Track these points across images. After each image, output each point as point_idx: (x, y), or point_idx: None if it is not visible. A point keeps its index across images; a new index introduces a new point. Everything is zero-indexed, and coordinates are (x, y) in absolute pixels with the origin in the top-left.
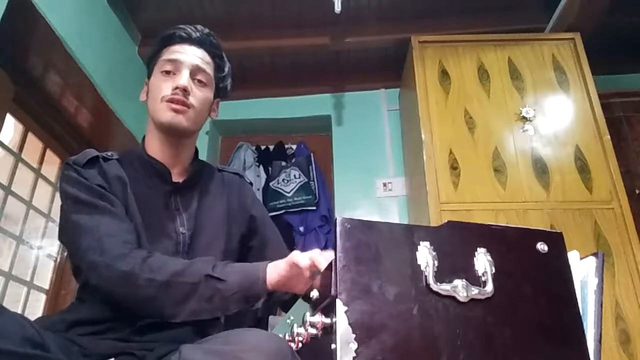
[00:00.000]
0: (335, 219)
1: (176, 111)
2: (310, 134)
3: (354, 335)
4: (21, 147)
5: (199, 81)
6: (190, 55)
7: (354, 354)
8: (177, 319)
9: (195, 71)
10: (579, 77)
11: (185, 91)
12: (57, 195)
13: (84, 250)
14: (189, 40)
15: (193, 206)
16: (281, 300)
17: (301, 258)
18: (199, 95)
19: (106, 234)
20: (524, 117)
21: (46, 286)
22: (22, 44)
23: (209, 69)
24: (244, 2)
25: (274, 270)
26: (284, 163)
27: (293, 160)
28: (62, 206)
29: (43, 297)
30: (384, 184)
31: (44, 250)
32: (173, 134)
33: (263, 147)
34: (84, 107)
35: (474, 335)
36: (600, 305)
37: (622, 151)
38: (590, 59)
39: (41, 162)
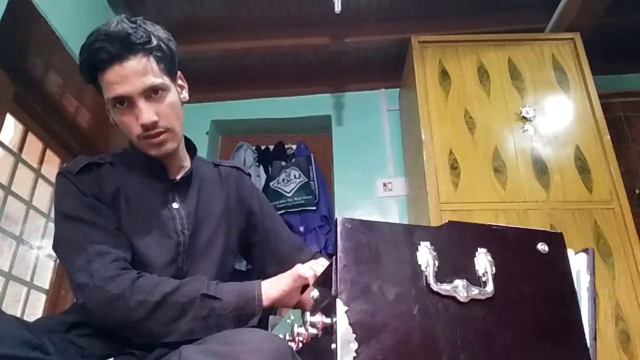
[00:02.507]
0: (336, 219)
1: (158, 144)
2: (310, 134)
3: (354, 335)
4: (21, 147)
5: (155, 92)
6: (133, 80)
7: (354, 354)
8: (169, 339)
9: (147, 91)
10: (579, 77)
11: (154, 123)
12: None
13: (74, 272)
14: (118, 58)
15: (192, 203)
16: None
17: (305, 270)
18: (165, 109)
19: (95, 252)
20: (524, 117)
21: (46, 286)
22: (22, 44)
23: (156, 73)
24: (244, 2)
25: (274, 287)
26: (284, 163)
27: (293, 160)
28: (54, 217)
29: (43, 297)
30: (384, 184)
31: (44, 250)
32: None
33: (263, 147)
34: (84, 107)
35: (475, 335)
36: (593, 302)
37: (622, 151)
38: (590, 59)
39: (41, 162)
